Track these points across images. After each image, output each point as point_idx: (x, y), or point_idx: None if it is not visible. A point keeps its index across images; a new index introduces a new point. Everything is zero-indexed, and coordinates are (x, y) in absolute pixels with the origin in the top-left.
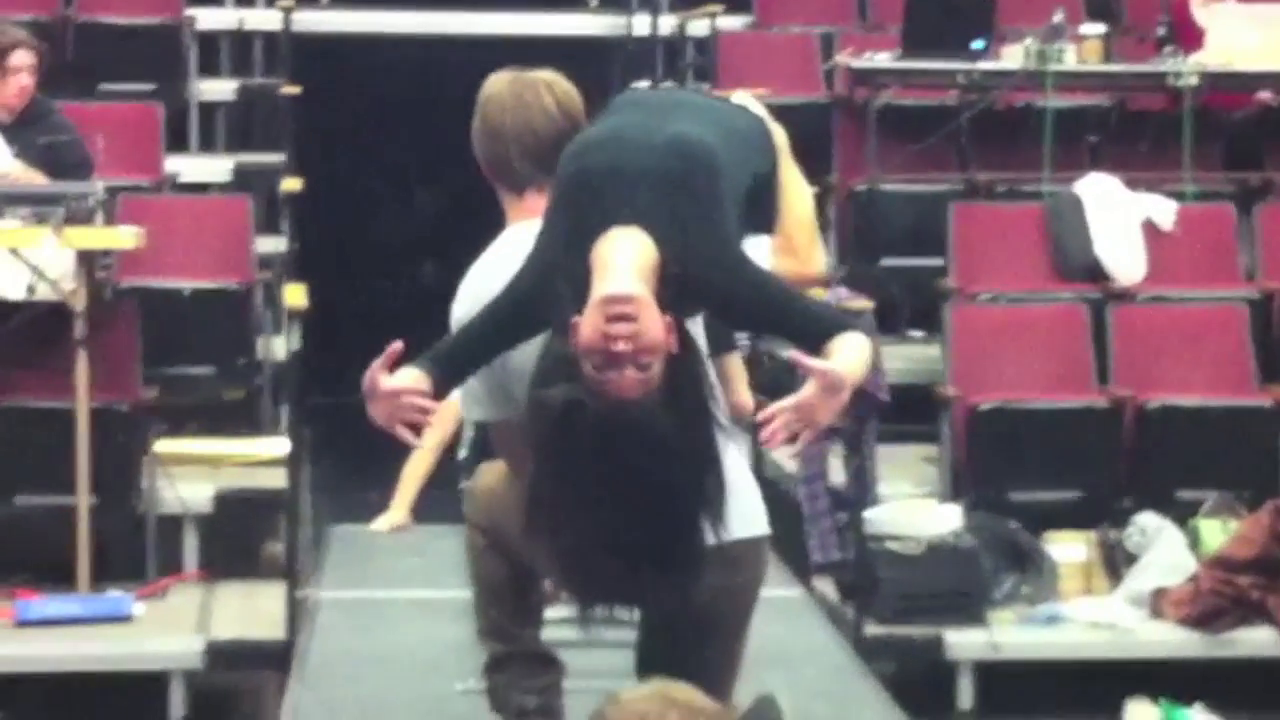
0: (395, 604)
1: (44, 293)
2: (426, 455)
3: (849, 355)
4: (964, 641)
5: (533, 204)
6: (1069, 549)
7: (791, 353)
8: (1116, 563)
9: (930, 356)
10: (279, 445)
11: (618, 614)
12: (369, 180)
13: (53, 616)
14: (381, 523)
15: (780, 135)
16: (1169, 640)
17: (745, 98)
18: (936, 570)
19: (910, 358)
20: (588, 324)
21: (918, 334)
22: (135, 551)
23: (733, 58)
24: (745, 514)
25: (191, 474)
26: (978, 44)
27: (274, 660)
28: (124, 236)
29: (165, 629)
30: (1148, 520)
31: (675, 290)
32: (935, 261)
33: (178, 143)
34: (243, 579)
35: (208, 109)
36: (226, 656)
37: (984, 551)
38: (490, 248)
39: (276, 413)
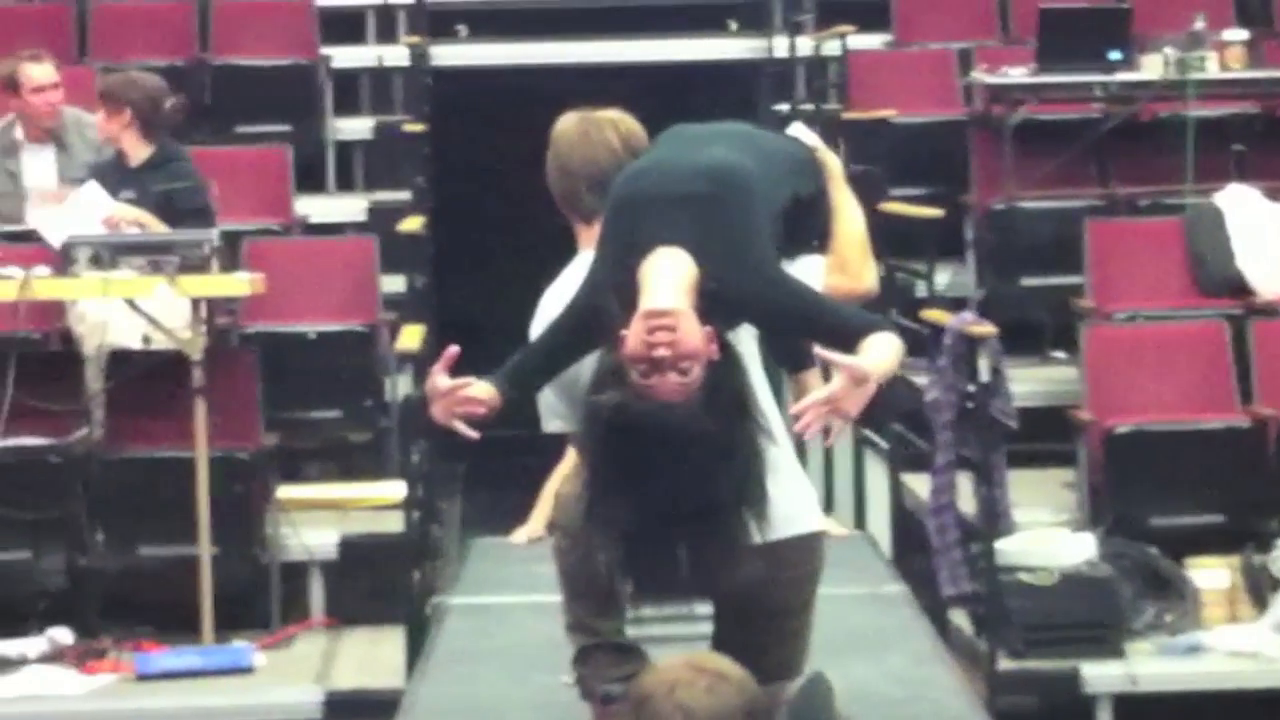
0: (520, 608)
1: (161, 341)
2: (563, 473)
3: (877, 352)
4: (1101, 674)
5: None
6: (1211, 575)
7: (820, 350)
8: (1262, 589)
9: (1070, 378)
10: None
11: (687, 605)
12: (507, 213)
13: (173, 669)
14: (519, 534)
15: (832, 161)
16: None
17: (799, 129)
18: (1070, 601)
19: (1050, 379)
20: (633, 335)
21: (1060, 355)
22: (260, 600)
23: (867, 77)
24: (791, 513)
25: (318, 519)
26: (1114, 55)
27: (391, 709)
28: (238, 283)
29: (285, 679)
30: None
31: (713, 303)
32: (1076, 280)
33: (315, 183)
34: (369, 625)
35: (346, 148)
36: (345, 707)
37: (1122, 580)
38: (563, 273)
39: (404, 455)
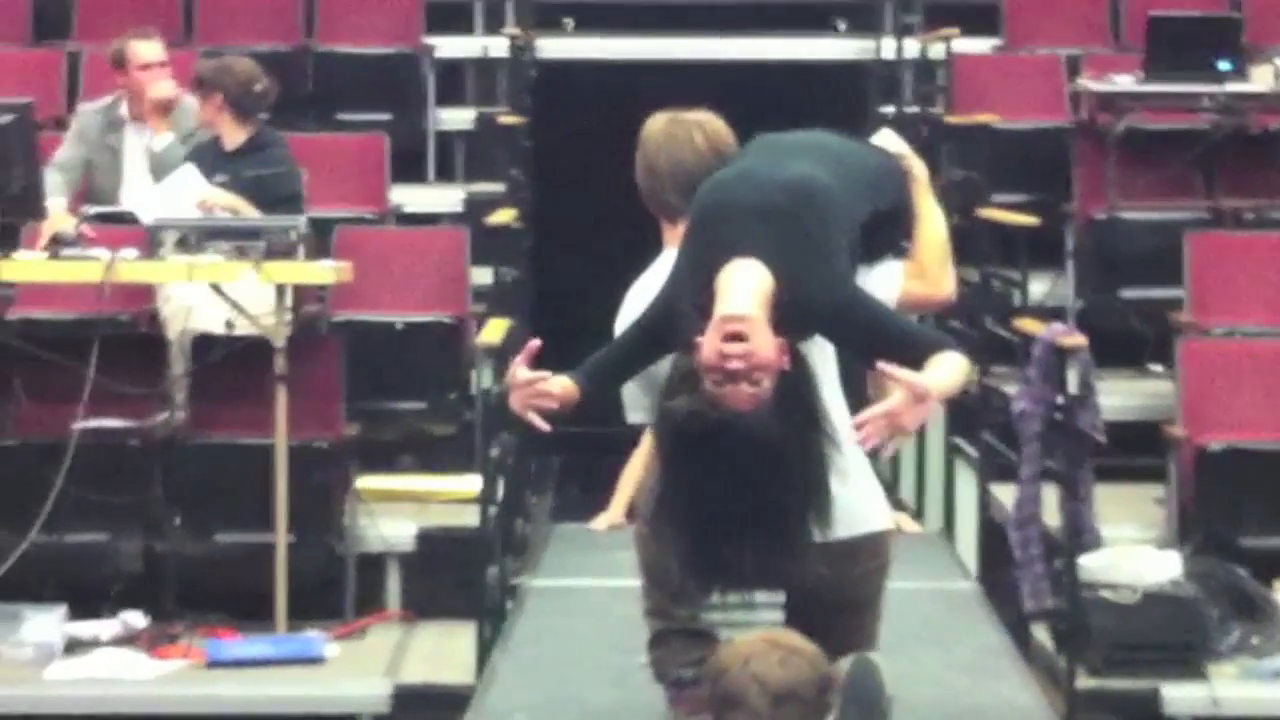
0: (600, 591)
1: (244, 327)
2: (641, 461)
3: (941, 371)
4: (1183, 696)
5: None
6: None
7: (881, 364)
8: None
9: (1167, 392)
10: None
11: (758, 597)
12: (607, 209)
13: (243, 657)
14: (600, 521)
15: (919, 168)
16: None
17: (887, 136)
18: (1153, 620)
19: (1147, 393)
20: (707, 343)
21: (1158, 369)
22: (335, 590)
23: (973, 81)
24: (856, 514)
25: (398, 511)
26: (1224, 64)
27: (460, 705)
28: (324, 271)
29: (355, 671)
30: None
31: (787, 315)
32: (1177, 293)
33: (415, 173)
34: (445, 619)
35: (447, 138)
36: (414, 701)
37: (1208, 600)
38: (648, 270)
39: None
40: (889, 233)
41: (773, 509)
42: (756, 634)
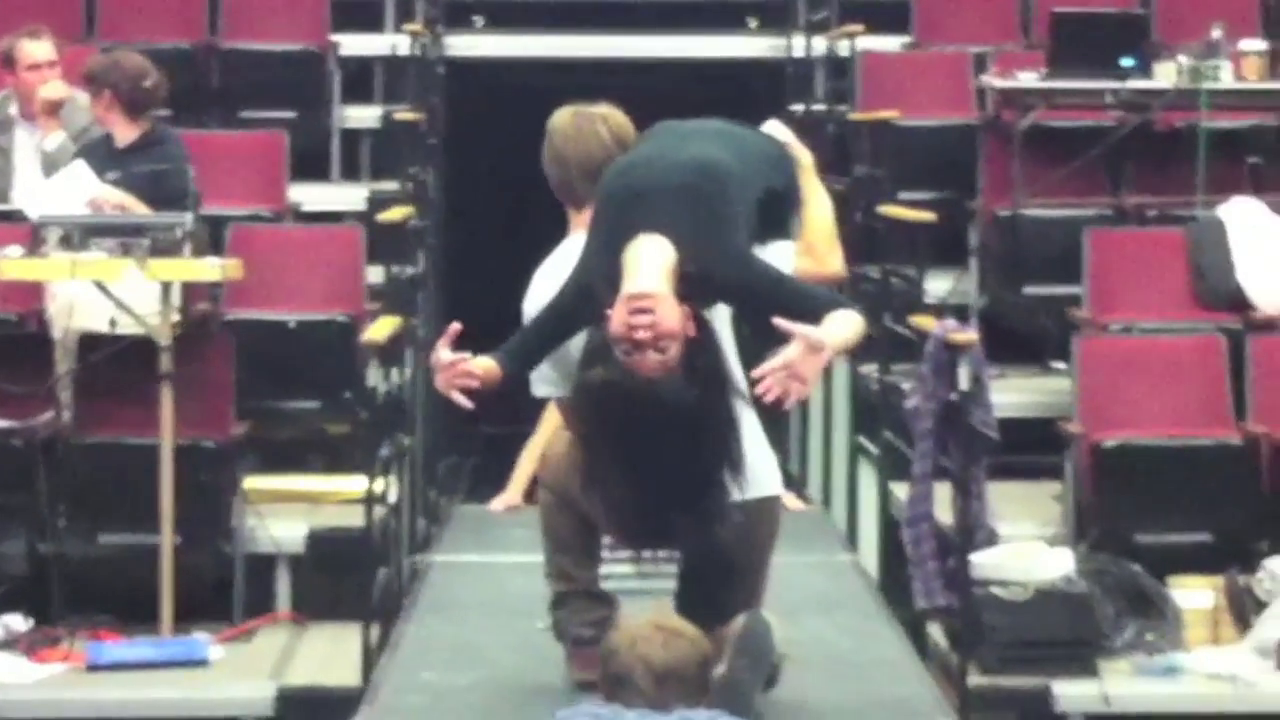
0: (499, 566)
1: (130, 326)
2: (537, 447)
3: (835, 326)
4: (1074, 693)
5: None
6: (1195, 595)
7: (777, 319)
8: (1245, 610)
9: (1067, 389)
10: (379, 482)
11: (659, 557)
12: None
13: (124, 660)
14: (497, 502)
15: (805, 156)
16: None
17: (774, 125)
18: (1045, 617)
19: (1047, 390)
20: (616, 316)
21: (1061, 366)
22: (224, 592)
23: (881, 79)
24: (759, 477)
25: (289, 512)
26: (1127, 61)
27: (347, 708)
28: (209, 268)
29: (239, 674)
30: (1278, 565)
31: (692, 286)
32: (1081, 290)
33: (320, 171)
34: (335, 621)
35: (353, 137)
36: (298, 703)
37: (1101, 597)
38: (554, 253)
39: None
40: (781, 212)
41: (692, 468)
42: (643, 617)
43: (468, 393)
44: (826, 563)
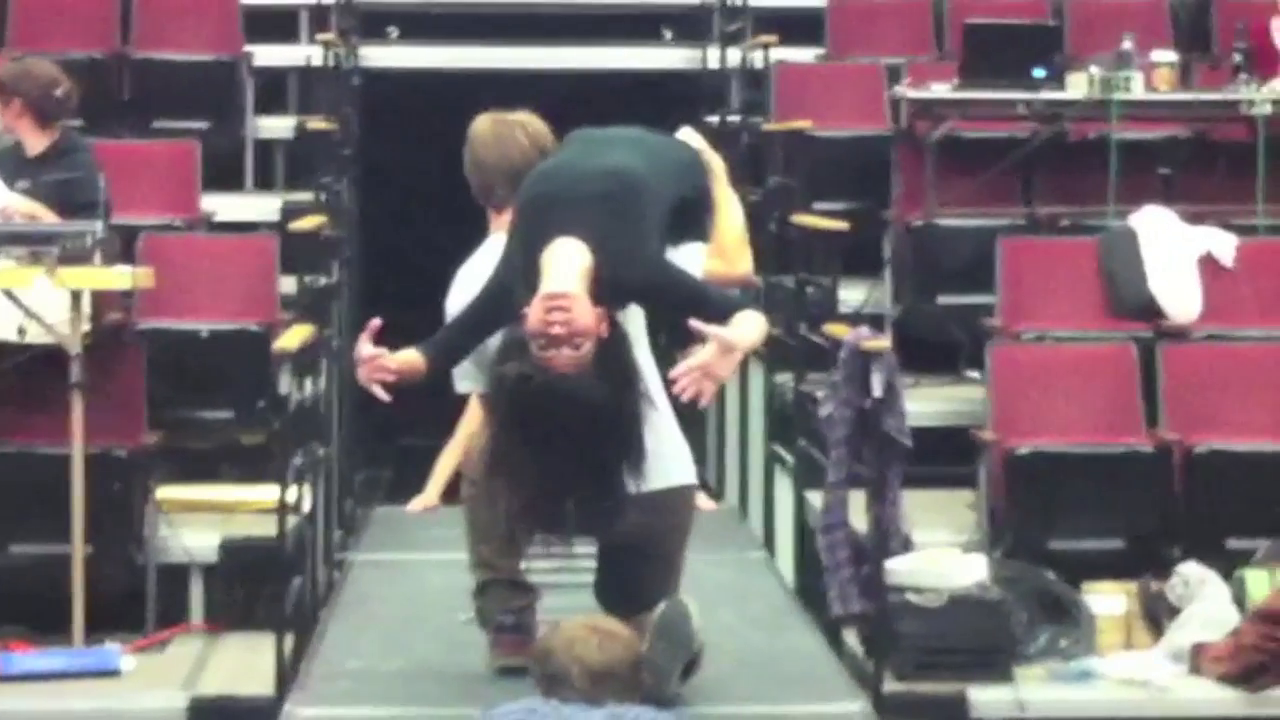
0: (419, 564)
1: (38, 334)
2: (457, 447)
3: (744, 327)
4: (988, 699)
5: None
6: (1108, 601)
7: (692, 321)
8: (1159, 616)
9: (981, 397)
10: (291, 492)
11: (574, 546)
12: (431, 215)
13: (34, 670)
14: (415, 503)
15: (717, 163)
16: (1207, 699)
17: (687, 133)
18: (959, 623)
19: (961, 399)
20: (533, 314)
21: (975, 375)
22: (136, 602)
23: (795, 90)
24: (668, 469)
25: (204, 522)
26: (1040, 72)
27: (260, 718)
28: (120, 277)
29: (151, 684)
30: (1191, 571)
31: (606, 287)
32: (994, 299)
33: (233, 181)
34: (248, 630)
35: (267, 147)
36: (210, 713)
37: (1015, 603)
38: (475, 253)
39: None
40: (693, 217)
41: (594, 462)
42: (579, 619)
43: (388, 388)
44: (738, 559)
